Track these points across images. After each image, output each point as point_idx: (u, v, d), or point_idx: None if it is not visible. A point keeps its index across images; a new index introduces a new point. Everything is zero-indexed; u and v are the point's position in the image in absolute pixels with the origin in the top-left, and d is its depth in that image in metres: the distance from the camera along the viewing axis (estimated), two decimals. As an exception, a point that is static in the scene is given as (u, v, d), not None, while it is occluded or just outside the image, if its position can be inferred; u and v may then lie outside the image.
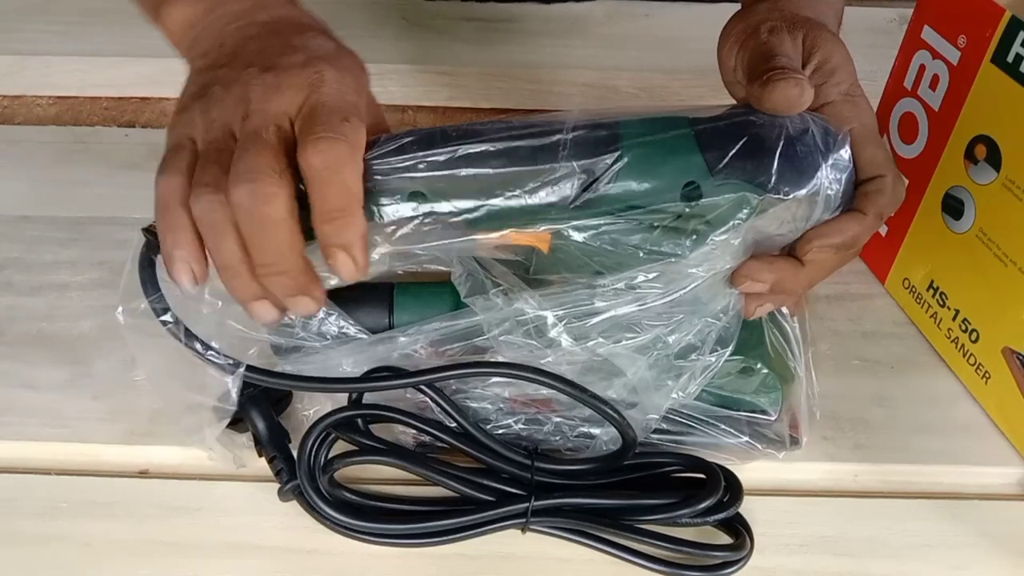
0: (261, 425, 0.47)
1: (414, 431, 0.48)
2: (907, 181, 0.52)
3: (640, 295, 0.42)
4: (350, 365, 0.45)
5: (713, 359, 0.45)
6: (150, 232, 0.42)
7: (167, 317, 0.42)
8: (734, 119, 0.42)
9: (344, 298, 0.46)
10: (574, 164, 0.41)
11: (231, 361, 0.43)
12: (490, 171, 0.41)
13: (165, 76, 0.70)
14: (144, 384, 0.52)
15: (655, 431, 0.47)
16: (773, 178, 0.40)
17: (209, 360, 0.43)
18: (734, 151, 0.41)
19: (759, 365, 0.47)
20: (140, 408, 0.51)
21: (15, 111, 0.72)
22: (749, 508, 0.48)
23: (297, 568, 0.46)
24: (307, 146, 0.38)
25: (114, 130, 0.70)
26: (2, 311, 0.57)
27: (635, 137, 0.41)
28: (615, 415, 0.44)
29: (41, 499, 0.48)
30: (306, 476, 0.45)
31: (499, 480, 0.46)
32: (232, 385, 0.43)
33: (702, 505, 0.45)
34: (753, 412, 0.48)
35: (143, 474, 0.50)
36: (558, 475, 0.47)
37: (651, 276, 0.42)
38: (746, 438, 0.48)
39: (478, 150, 0.41)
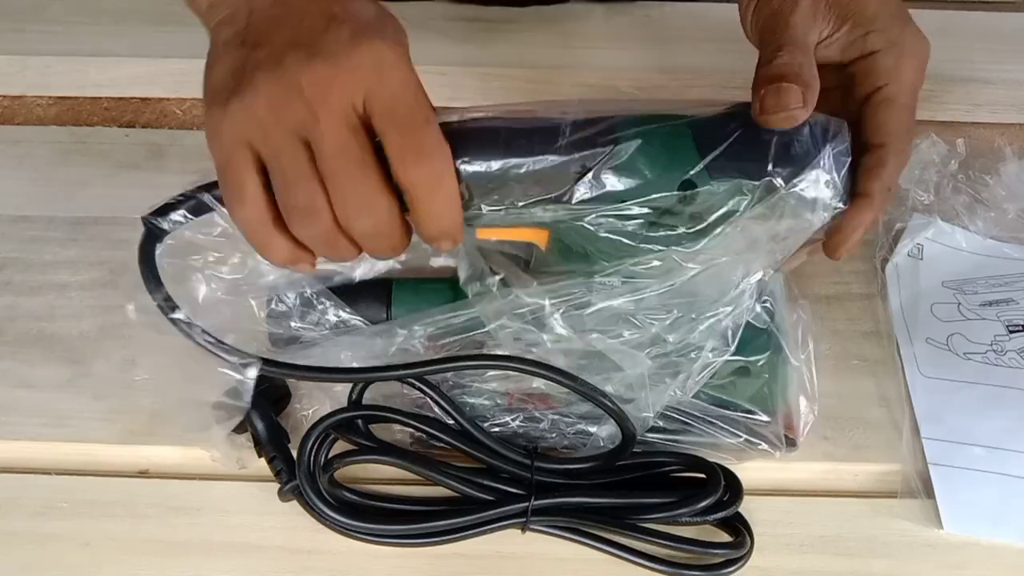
0: (260, 425, 0.47)
1: (413, 431, 0.48)
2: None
3: (637, 285, 0.42)
4: (348, 358, 0.45)
5: (713, 358, 0.45)
6: (151, 221, 0.41)
7: (178, 313, 0.41)
8: (730, 113, 0.42)
9: (343, 292, 0.46)
10: (572, 158, 0.41)
11: (245, 356, 0.42)
12: (489, 162, 0.41)
13: (165, 76, 0.70)
14: (144, 383, 0.52)
15: (652, 430, 0.47)
16: (768, 169, 0.40)
17: (219, 354, 0.42)
18: (729, 144, 0.41)
19: (759, 366, 0.47)
20: (140, 408, 0.51)
21: (15, 111, 0.72)
22: (749, 508, 0.48)
23: (297, 568, 0.46)
24: (405, 162, 0.36)
25: (114, 130, 0.70)
26: (2, 311, 0.57)
27: (632, 135, 0.41)
28: (613, 407, 0.44)
29: (40, 499, 0.48)
30: (306, 476, 0.45)
31: (499, 480, 0.46)
32: (248, 380, 0.42)
33: (702, 504, 0.45)
34: (749, 413, 0.48)
35: (143, 474, 0.50)
36: (558, 474, 0.47)
37: (649, 266, 0.42)
38: (744, 437, 0.48)
39: (477, 141, 0.41)
